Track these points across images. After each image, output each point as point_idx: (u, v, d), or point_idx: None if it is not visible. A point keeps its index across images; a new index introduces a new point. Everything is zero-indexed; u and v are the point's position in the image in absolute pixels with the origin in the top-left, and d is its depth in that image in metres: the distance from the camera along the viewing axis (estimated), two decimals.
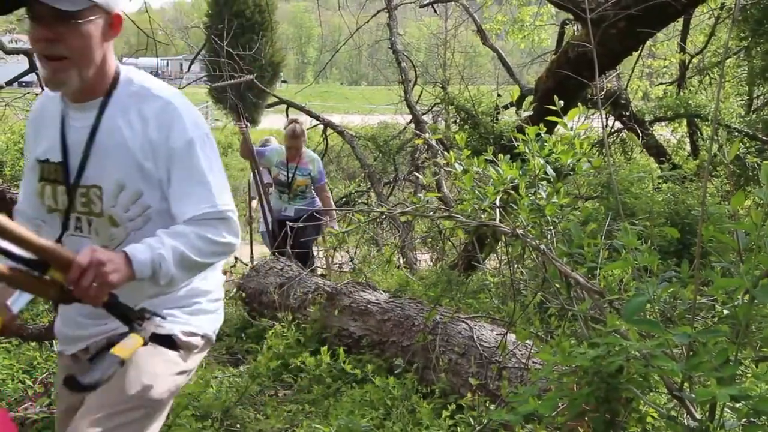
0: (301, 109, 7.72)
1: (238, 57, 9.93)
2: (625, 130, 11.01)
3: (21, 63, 7.54)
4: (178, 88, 6.86)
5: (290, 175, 7.40)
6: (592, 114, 10.05)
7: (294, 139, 7.35)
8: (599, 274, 2.56)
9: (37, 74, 7.28)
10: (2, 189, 3.28)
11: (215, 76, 11.81)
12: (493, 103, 9.73)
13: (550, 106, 2.95)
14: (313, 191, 7.57)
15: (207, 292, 2.47)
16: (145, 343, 2.02)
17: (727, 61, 10.86)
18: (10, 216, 2.07)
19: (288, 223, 6.86)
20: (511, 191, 2.96)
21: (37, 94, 8.52)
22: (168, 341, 2.24)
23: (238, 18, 37.23)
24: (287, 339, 4.76)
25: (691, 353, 1.95)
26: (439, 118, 11.42)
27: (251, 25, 42.76)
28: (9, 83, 7.47)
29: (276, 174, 7.51)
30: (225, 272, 7.36)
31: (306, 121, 8.31)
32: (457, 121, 9.92)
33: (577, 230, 2.58)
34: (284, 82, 50.10)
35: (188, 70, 13.62)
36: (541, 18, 13.12)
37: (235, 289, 6.25)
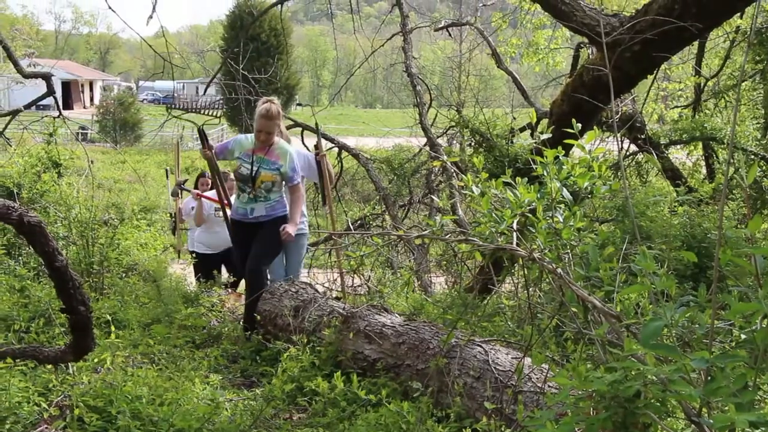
0: (316, 131, 7.64)
1: (254, 80, 10.01)
2: (644, 153, 10.98)
3: (39, 87, 7.61)
4: (197, 112, 6.98)
5: (254, 168, 6.28)
6: (607, 137, 10.05)
7: (266, 119, 6.17)
8: (616, 298, 2.56)
9: (54, 98, 7.36)
10: (20, 213, 3.29)
11: (231, 99, 11.89)
12: (507, 126, 9.74)
13: (566, 129, 2.95)
14: (283, 192, 6.55)
15: None
16: None
17: (743, 84, 10.84)
18: None
19: (244, 224, 6.44)
20: (528, 214, 2.96)
21: (55, 118, 8.61)
22: None
23: (254, 41, 37.55)
24: (302, 362, 4.76)
25: (709, 378, 1.94)
26: (454, 141, 11.42)
27: (267, 49, 43.19)
28: (27, 107, 7.54)
29: (237, 166, 6.38)
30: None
31: (325, 145, 8.15)
32: (472, 144, 9.92)
33: (594, 254, 2.57)
34: (299, 104, 50.39)
35: (204, 93, 13.74)
36: (555, 41, 13.15)
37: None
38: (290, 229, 6.28)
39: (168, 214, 7.84)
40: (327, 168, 7.10)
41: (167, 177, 8.28)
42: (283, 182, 6.45)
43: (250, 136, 6.42)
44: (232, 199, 7.01)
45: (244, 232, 6.48)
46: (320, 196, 7.56)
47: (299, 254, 7.05)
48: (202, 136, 6.37)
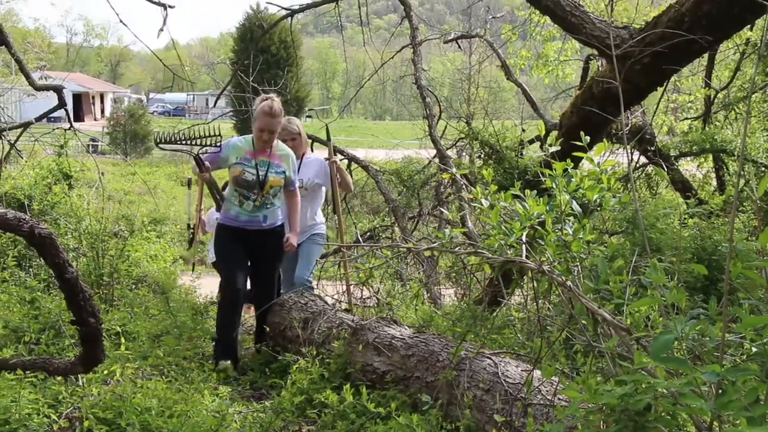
0: (325, 143, 7.59)
1: (264, 92, 10.03)
2: (653, 165, 10.97)
3: (50, 99, 7.64)
4: (205, 123, 6.85)
5: (262, 173, 5.81)
6: (617, 149, 10.04)
7: (270, 117, 5.71)
8: (626, 311, 2.55)
9: (66, 110, 7.39)
10: (31, 224, 3.30)
11: (241, 111, 11.92)
12: (517, 138, 9.74)
13: (576, 142, 2.95)
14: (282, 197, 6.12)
15: None
16: None
17: (753, 96, 10.82)
18: None
19: (249, 233, 5.91)
20: (537, 227, 2.96)
21: (66, 130, 8.65)
22: None
23: (264, 54, 37.68)
24: (311, 374, 4.75)
25: (720, 392, 1.93)
26: (464, 153, 11.43)
27: (277, 61, 43.39)
28: (38, 119, 7.57)
29: (238, 172, 5.81)
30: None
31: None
32: (482, 156, 9.93)
33: (604, 266, 2.57)
34: (309, 116, 50.53)
35: (214, 105, 13.76)
36: (565, 53, 13.16)
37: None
38: (294, 239, 6.09)
39: (186, 225, 7.75)
40: (341, 174, 6.98)
41: (189, 186, 8.19)
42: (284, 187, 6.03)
43: (246, 138, 5.97)
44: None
45: (246, 241, 5.92)
46: (331, 203, 7.34)
47: (313, 256, 6.86)
48: (199, 162, 5.89)
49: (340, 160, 9.38)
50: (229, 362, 5.51)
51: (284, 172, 5.93)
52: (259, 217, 5.90)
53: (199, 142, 6.03)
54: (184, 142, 6.13)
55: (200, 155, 5.92)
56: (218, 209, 6.34)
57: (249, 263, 6.04)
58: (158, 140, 6.10)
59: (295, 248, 6.12)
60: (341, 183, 6.98)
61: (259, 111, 5.73)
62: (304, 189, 6.61)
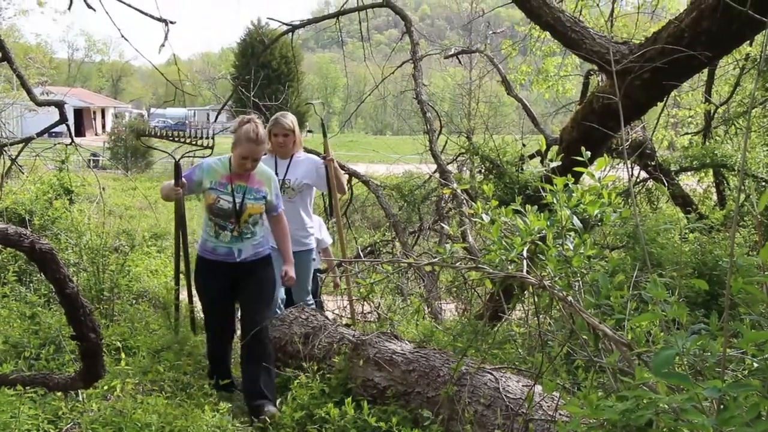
0: (326, 158, 7.51)
1: (265, 107, 10.06)
2: (653, 180, 10.98)
3: (51, 114, 7.66)
4: (183, 142, 6.71)
5: (238, 200, 5.24)
6: (618, 164, 10.05)
7: (255, 144, 5.15)
8: (627, 326, 2.55)
9: (67, 125, 7.41)
10: (32, 240, 3.30)
11: None
12: (518, 153, 9.76)
13: (576, 157, 2.96)
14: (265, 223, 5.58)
15: None
16: None
17: (753, 111, 10.84)
18: None
19: (225, 266, 5.34)
20: (538, 242, 2.96)
21: (67, 145, 8.66)
22: None
23: (265, 69, 37.77)
24: (312, 389, 4.75)
25: (721, 407, 1.93)
26: (464, 168, 11.45)
27: (278, 76, 43.55)
28: (40, 134, 7.59)
29: (213, 200, 5.25)
30: None
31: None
32: (482, 171, 9.95)
33: (605, 281, 2.57)
34: (310, 131, 50.57)
35: (215, 120, 13.78)
36: (565, 68, 13.18)
37: None
38: (291, 270, 5.56)
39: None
40: (336, 174, 6.51)
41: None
42: (266, 212, 5.50)
43: (223, 160, 5.38)
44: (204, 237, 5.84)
45: (223, 277, 5.37)
46: (328, 206, 6.90)
47: (305, 280, 6.56)
48: (177, 172, 5.41)
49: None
50: (275, 409, 4.86)
51: (264, 197, 5.36)
52: (234, 250, 5.32)
53: (187, 141, 5.74)
54: (171, 139, 5.82)
55: (180, 166, 5.42)
56: (176, 244, 6.05)
57: (233, 298, 5.58)
58: (140, 133, 5.72)
59: (294, 282, 5.65)
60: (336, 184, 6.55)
61: (242, 136, 5.12)
62: (291, 190, 6.36)
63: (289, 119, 6.44)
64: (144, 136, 5.54)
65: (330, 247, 7.67)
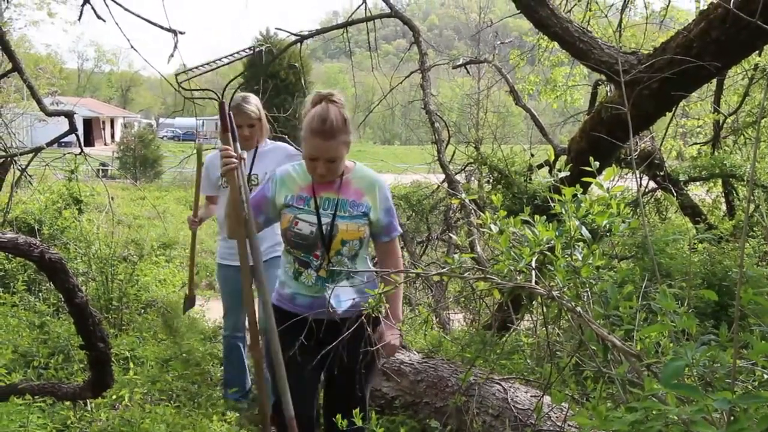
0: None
1: (273, 117, 10.07)
2: (662, 190, 10.95)
3: (60, 124, 7.68)
4: (215, 148, 6.75)
5: (326, 220, 3.49)
6: (626, 174, 10.04)
7: (320, 139, 3.38)
8: (636, 337, 2.54)
9: (76, 135, 7.43)
10: (42, 249, 3.31)
11: None
12: (526, 163, 9.76)
13: (585, 167, 2.95)
14: (368, 254, 3.86)
15: None
16: None
17: (763, 120, 10.82)
18: None
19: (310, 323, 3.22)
20: (546, 252, 2.96)
21: (76, 155, 8.69)
22: None
23: (273, 79, 37.80)
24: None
25: (731, 419, 1.92)
26: (473, 178, 11.44)
27: (286, 86, 43.51)
28: (49, 144, 7.61)
29: (288, 222, 3.53)
30: None
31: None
32: (491, 180, 9.94)
33: (614, 292, 2.56)
34: None
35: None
36: (573, 78, 13.18)
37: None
38: (395, 339, 3.64)
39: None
40: None
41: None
42: (372, 238, 3.72)
43: (300, 166, 3.65)
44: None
45: (309, 337, 3.30)
46: None
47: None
48: (223, 118, 3.62)
49: None
50: None
51: (366, 214, 3.57)
52: (333, 298, 3.40)
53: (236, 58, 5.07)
54: (212, 63, 4.90)
55: (224, 104, 3.65)
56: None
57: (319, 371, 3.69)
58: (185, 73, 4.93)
59: (395, 353, 3.82)
60: None
61: (306, 126, 3.41)
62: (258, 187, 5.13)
63: (254, 104, 5.36)
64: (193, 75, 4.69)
65: None
